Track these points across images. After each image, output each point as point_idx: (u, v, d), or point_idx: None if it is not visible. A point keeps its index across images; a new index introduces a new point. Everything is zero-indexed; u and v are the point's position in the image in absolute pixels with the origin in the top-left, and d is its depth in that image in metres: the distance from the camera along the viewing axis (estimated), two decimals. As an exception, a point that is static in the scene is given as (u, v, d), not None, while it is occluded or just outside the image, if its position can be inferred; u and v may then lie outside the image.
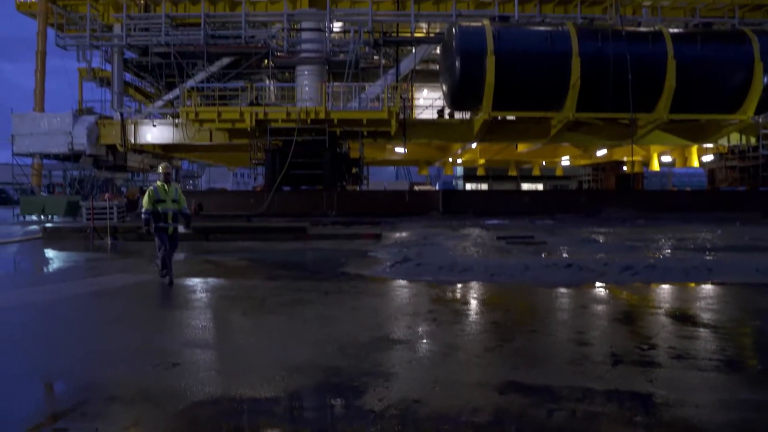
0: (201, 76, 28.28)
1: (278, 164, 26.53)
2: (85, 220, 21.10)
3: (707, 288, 9.71)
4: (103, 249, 16.51)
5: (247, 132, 26.93)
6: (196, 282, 10.68)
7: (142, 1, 28.88)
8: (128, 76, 31.25)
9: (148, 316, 8.15)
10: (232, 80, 29.07)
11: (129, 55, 30.02)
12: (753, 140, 28.85)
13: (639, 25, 27.13)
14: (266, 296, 9.17)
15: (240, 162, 37.57)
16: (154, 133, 28.65)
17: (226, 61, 28.58)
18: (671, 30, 25.97)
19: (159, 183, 10.47)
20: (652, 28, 26.18)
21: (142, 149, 30.49)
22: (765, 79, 25.08)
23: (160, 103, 29.85)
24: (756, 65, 24.86)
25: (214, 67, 28.54)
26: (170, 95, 29.14)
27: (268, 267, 12.96)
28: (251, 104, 26.62)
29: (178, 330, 7.18)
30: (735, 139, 28.96)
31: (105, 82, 30.49)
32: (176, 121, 28.25)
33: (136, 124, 28.64)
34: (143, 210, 10.31)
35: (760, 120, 28.02)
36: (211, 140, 28.56)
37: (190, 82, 27.82)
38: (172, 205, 10.31)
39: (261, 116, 26.04)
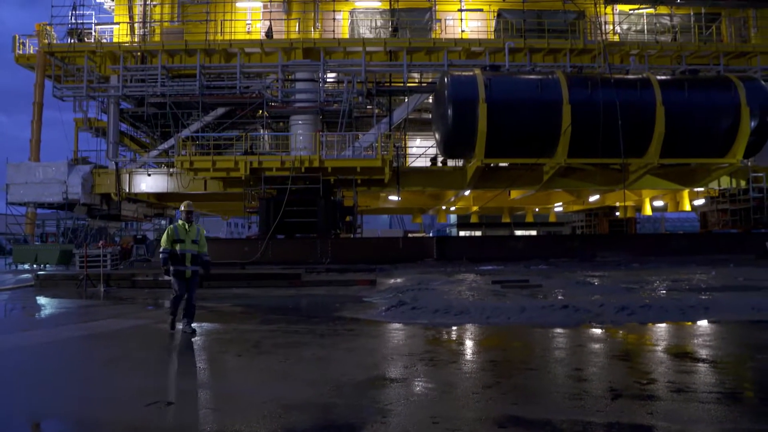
0: (196, 125, 28.51)
1: (272, 212, 26.55)
2: (78, 267, 21.00)
3: (704, 326, 9.69)
4: (96, 296, 16.38)
5: (241, 181, 27.03)
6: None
7: (139, 53, 29.34)
8: (124, 126, 31.52)
9: (142, 358, 8.05)
10: (226, 130, 29.34)
11: (125, 105, 30.38)
12: (743, 183, 29.13)
13: (627, 72, 27.60)
14: (261, 339, 9.09)
15: (234, 211, 37.59)
16: (149, 183, 28.74)
17: (221, 111, 28.86)
18: (659, 77, 26.43)
19: (180, 222, 9.97)
20: (640, 76, 26.66)
21: (137, 198, 30.53)
22: (752, 124, 25.47)
23: (155, 152, 30.01)
24: (743, 110, 25.26)
25: (209, 117, 28.82)
26: (165, 145, 29.31)
27: (262, 312, 12.86)
28: (246, 153, 26.80)
29: (173, 371, 7.10)
30: (725, 182, 29.26)
31: (101, 132, 30.70)
32: (171, 170, 28.36)
33: (130, 174, 28.74)
34: (161, 249, 9.80)
35: (749, 163, 28.36)
36: (205, 189, 28.62)
37: (185, 132, 28.03)
38: (191, 247, 9.81)
39: (255, 165, 26.17)
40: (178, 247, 9.74)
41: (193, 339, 9.15)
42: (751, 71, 29.31)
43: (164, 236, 9.85)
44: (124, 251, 27.34)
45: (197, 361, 7.72)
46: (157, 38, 30.25)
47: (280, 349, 8.19)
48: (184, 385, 6.41)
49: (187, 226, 9.90)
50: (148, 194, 29.81)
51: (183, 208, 10.06)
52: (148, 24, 30.67)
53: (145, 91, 28.54)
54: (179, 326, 9.79)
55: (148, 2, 30.95)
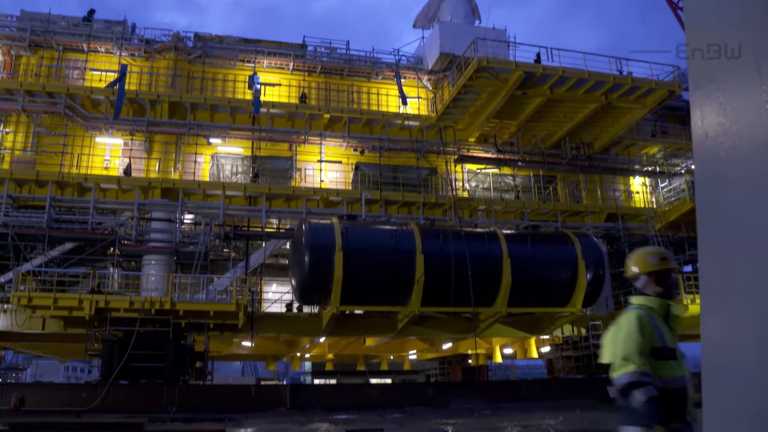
0: (39, 260, 26.82)
1: (116, 356, 24.88)
2: None
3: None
4: None
5: (85, 321, 25.36)
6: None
7: (-19, 179, 27.81)
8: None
9: None
10: (73, 266, 27.79)
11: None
12: (583, 331, 31.02)
13: (476, 226, 29.45)
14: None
15: (74, 353, 35.00)
16: (-23, 319, 26.32)
17: (68, 246, 27.47)
18: (505, 231, 28.23)
19: (653, 303, 4.20)
20: (488, 229, 28.42)
21: (-40, 336, 27.77)
22: (588, 276, 27.50)
23: (-13, 286, 27.75)
24: (579, 263, 27.29)
25: (55, 252, 27.29)
26: (1, 279, 27.21)
27: (97, 464, 11.79)
28: (92, 292, 25.40)
29: None
30: (568, 330, 31.07)
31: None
32: (4, 306, 26.20)
33: (-44, 308, 26.25)
34: (628, 374, 3.84)
35: (588, 312, 30.39)
36: (43, 329, 26.49)
37: (27, 266, 26.26)
38: (685, 369, 4.11)
39: (102, 305, 24.70)
40: (665, 370, 3.98)
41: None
42: (584, 228, 32.21)
43: (627, 337, 3.99)
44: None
45: None
46: (5, 166, 28.92)
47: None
48: None
49: (672, 311, 4.22)
50: (-25, 331, 27.22)
51: (653, 263, 4.27)
52: (-2, 151, 29.41)
53: (-15, 220, 26.74)
54: None
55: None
